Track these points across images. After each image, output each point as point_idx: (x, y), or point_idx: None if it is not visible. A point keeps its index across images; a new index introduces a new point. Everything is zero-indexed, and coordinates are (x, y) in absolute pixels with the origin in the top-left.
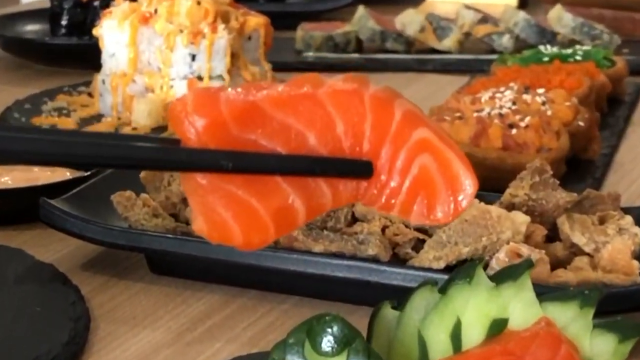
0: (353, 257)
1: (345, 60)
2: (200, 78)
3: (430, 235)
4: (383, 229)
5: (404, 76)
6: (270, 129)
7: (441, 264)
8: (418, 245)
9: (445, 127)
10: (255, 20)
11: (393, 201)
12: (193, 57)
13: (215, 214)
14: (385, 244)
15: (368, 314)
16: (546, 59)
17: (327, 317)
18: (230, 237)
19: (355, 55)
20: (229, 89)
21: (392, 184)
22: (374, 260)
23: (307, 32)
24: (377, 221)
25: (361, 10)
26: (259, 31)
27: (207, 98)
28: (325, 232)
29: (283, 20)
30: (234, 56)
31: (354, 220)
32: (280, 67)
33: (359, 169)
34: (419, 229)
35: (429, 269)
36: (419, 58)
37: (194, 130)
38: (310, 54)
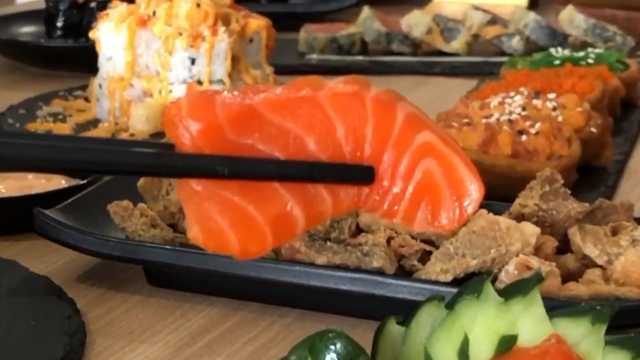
0: (357, 270)
1: (350, 62)
2: (200, 82)
3: (437, 247)
4: (388, 240)
5: (410, 79)
6: (267, 133)
7: (448, 277)
8: (424, 257)
9: (453, 133)
10: (257, 23)
11: (396, 207)
12: (193, 61)
13: (211, 221)
14: (390, 255)
15: (372, 327)
16: (557, 62)
17: (330, 334)
18: (226, 245)
19: (360, 58)
20: (225, 92)
21: (395, 189)
22: (379, 272)
23: (311, 34)
24: (382, 232)
25: (366, 11)
26: (261, 34)
27: (203, 101)
28: (329, 243)
29: (285, 22)
30: (234, 59)
31: (359, 231)
32: (283, 70)
33: (360, 174)
34: (426, 241)
35: (436, 282)
36: (425, 60)
37: (188, 135)
38: (314, 56)
